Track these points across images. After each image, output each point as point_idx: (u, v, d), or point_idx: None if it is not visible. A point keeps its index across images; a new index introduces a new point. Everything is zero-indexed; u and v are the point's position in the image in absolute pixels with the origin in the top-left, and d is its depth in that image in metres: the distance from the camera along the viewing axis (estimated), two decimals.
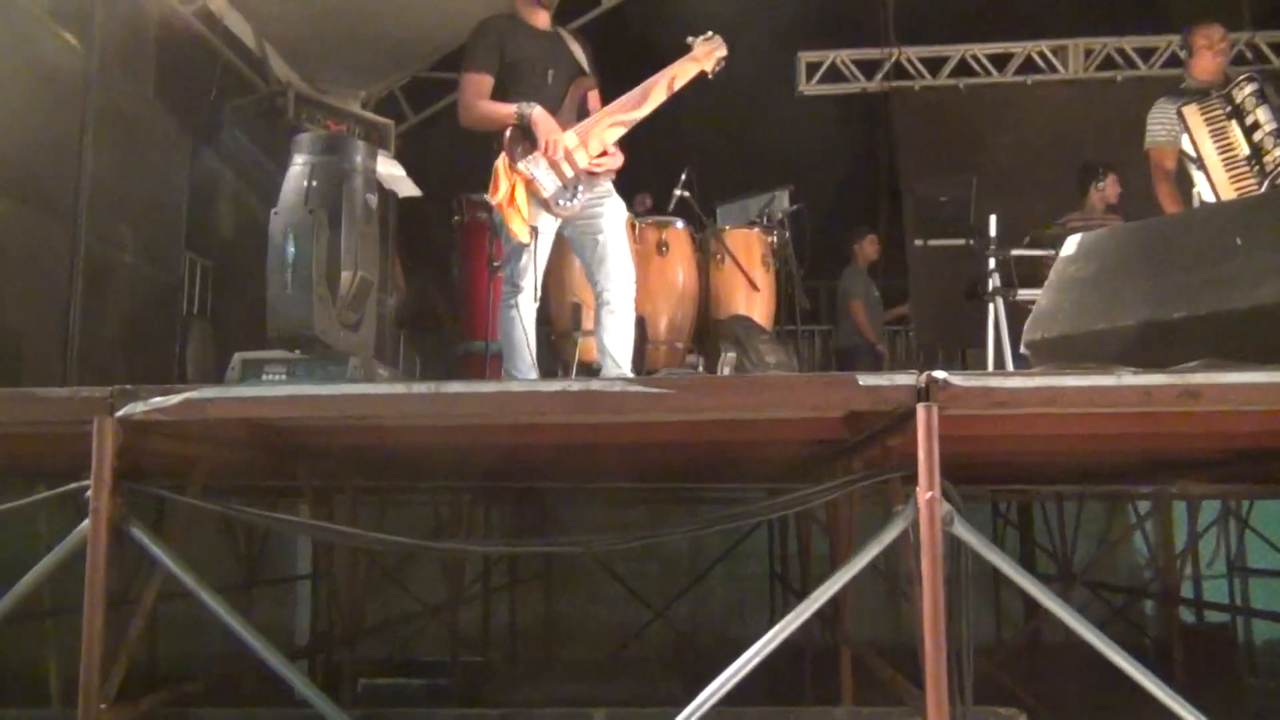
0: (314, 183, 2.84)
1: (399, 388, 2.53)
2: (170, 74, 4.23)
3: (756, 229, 5.56)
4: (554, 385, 2.52)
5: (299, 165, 2.89)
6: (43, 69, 3.29)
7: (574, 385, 2.51)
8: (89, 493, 2.41)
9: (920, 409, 2.34)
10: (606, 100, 4.24)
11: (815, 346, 7.95)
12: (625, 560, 7.08)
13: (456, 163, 6.77)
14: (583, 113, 4.18)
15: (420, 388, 2.49)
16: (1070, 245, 3.05)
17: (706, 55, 4.13)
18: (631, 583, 6.93)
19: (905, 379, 2.38)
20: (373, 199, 3.04)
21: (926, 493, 2.31)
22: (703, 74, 4.15)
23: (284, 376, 2.75)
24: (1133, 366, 2.42)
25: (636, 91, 4.12)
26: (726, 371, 4.81)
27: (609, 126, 4.09)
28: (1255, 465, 3.92)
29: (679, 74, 4.14)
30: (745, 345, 4.82)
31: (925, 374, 2.36)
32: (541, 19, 4.22)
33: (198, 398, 2.46)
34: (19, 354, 3.16)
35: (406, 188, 5.46)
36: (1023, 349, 3.03)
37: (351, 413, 2.49)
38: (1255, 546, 6.36)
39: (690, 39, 4.16)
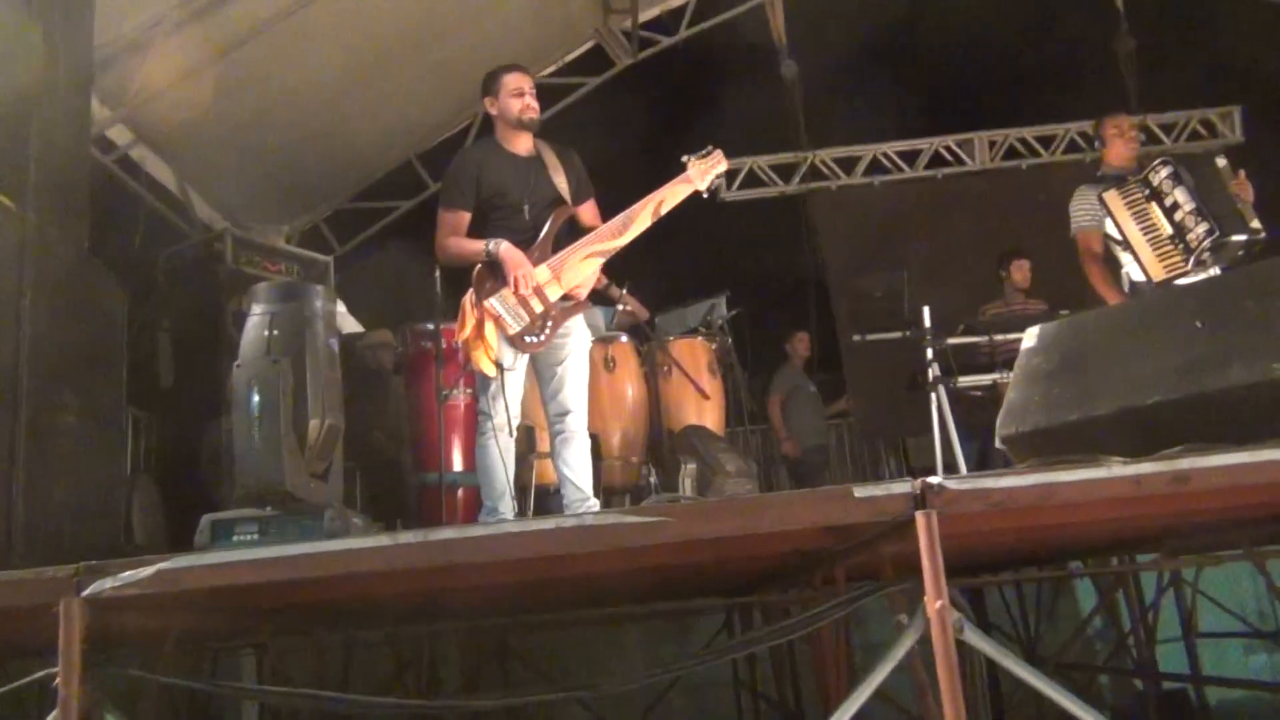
0: (275, 332, 2.77)
1: (384, 540, 2.43)
2: (102, 227, 4.14)
3: (700, 337, 5.60)
4: (547, 523, 2.45)
5: (258, 315, 2.81)
6: None
7: (568, 521, 2.45)
8: (56, 680, 2.26)
9: (919, 516, 2.33)
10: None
11: (765, 447, 7.95)
12: (580, 675, 6.84)
13: (386, 292, 6.75)
14: (571, 234, 4.08)
15: (408, 537, 2.41)
16: (1031, 337, 3.11)
17: (702, 174, 4.02)
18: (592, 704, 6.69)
19: (901, 487, 2.37)
20: (334, 343, 2.98)
21: (936, 602, 2.29)
22: (696, 194, 4.04)
23: (256, 536, 2.63)
24: (1114, 454, 2.45)
25: (618, 219, 4.02)
26: (688, 483, 4.76)
27: (585, 258, 4.00)
28: (1213, 536, 4.00)
29: (668, 197, 4.02)
30: (704, 455, 4.80)
31: (920, 481, 2.36)
32: (523, 144, 4.13)
33: (170, 568, 2.34)
34: None
35: (349, 324, 5.39)
36: (998, 444, 3.05)
37: (335, 570, 2.39)
38: (1204, 609, 6.44)
39: (685, 157, 4.03)
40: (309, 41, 6.30)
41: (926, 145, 8.82)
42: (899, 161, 8.83)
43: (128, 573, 2.30)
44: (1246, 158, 5.92)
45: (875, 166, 8.82)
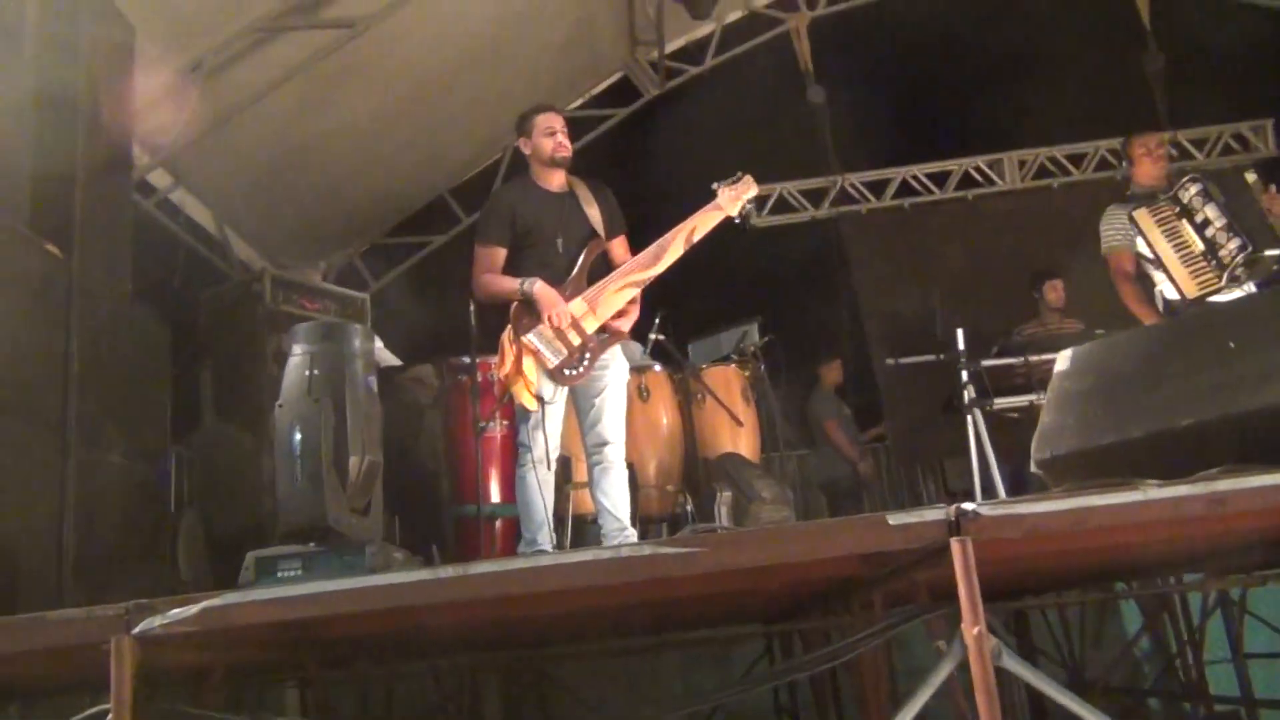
0: (315, 371, 2.83)
1: (424, 574, 2.47)
2: (143, 269, 4.25)
3: (733, 365, 5.62)
4: (585, 555, 2.48)
5: (298, 355, 2.87)
6: (28, 282, 3.28)
7: (604, 553, 2.48)
8: (109, 718, 2.30)
9: (954, 544, 2.33)
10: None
11: (801, 472, 7.94)
12: (618, 703, 6.81)
13: (423, 326, 6.83)
14: (599, 269, 4.13)
15: (446, 572, 2.44)
16: (1064, 360, 3.11)
17: (732, 200, 4.05)
18: None
19: (935, 514, 2.38)
20: (373, 381, 3.03)
21: (974, 628, 2.29)
22: (728, 220, 4.08)
23: (299, 572, 2.67)
24: (1149, 477, 2.44)
25: (651, 249, 4.06)
26: (724, 511, 4.78)
27: (620, 289, 4.05)
28: (1262, 554, 3.95)
29: (700, 224, 4.06)
30: (739, 482, 4.81)
31: (954, 507, 2.36)
32: (556, 180, 4.19)
33: (216, 605, 2.39)
34: (14, 569, 3.05)
35: (386, 357, 5.47)
36: (1033, 468, 3.05)
37: (379, 604, 2.42)
38: (1253, 631, 6.33)
39: (715, 185, 4.07)
40: (342, 83, 6.42)
41: (956, 166, 8.81)
42: (929, 183, 8.83)
43: (175, 610, 2.35)
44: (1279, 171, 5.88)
45: (905, 189, 8.82)
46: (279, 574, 2.67)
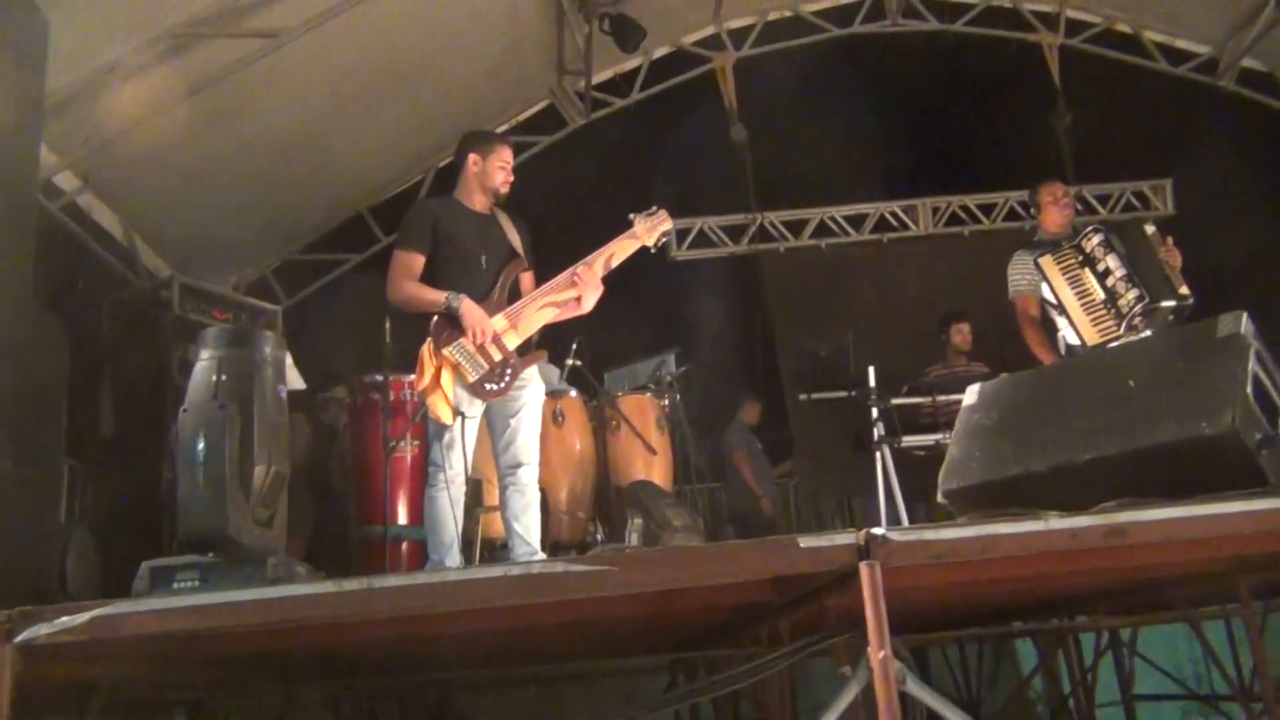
0: (223, 376, 2.75)
1: (329, 587, 2.41)
2: (46, 273, 4.09)
3: (649, 393, 5.63)
4: (495, 571, 2.45)
5: (206, 359, 2.79)
6: None
7: (514, 570, 2.45)
8: None
9: (863, 567, 2.36)
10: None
11: (712, 504, 7.97)
12: None
13: (335, 345, 6.71)
14: (515, 294, 4.17)
15: (352, 585, 2.39)
16: (972, 395, 3.18)
17: (648, 231, 4.14)
18: None
19: (845, 538, 2.40)
20: (283, 390, 2.96)
21: (880, 652, 2.31)
22: (645, 250, 4.16)
23: (197, 582, 2.58)
24: (1052, 508, 2.51)
25: (568, 273, 4.10)
26: (635, 538, 4.77)
27: (541, 308, 4.08)
28: (1150, 596, 4.07)
29: (617, 251, 4.13)
30: (651, 511, 4.80)
31: (864, 532, 2.39)
32: (480, 202, 4.23)
33: (107, 614, 2.29)
34: None
35: (293, 378, 5.34)
36: (940, 498, 3.11)
37: (278, 618, 2.35)
38: (1143, 672, 6.51)
39: (632, 215, 4.16)
40: (263, 94, 6.32)
41: (872, 210, 9.02)
42: (845, 225, 9.01)
43: (63, 618, 2.25)
44: (1176, 228, 6.14)
45: (822, 229, 8.99)
46: (175, 584, 2.58)
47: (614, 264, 4.14)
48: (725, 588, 2.90)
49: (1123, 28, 9.10)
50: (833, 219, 9.00)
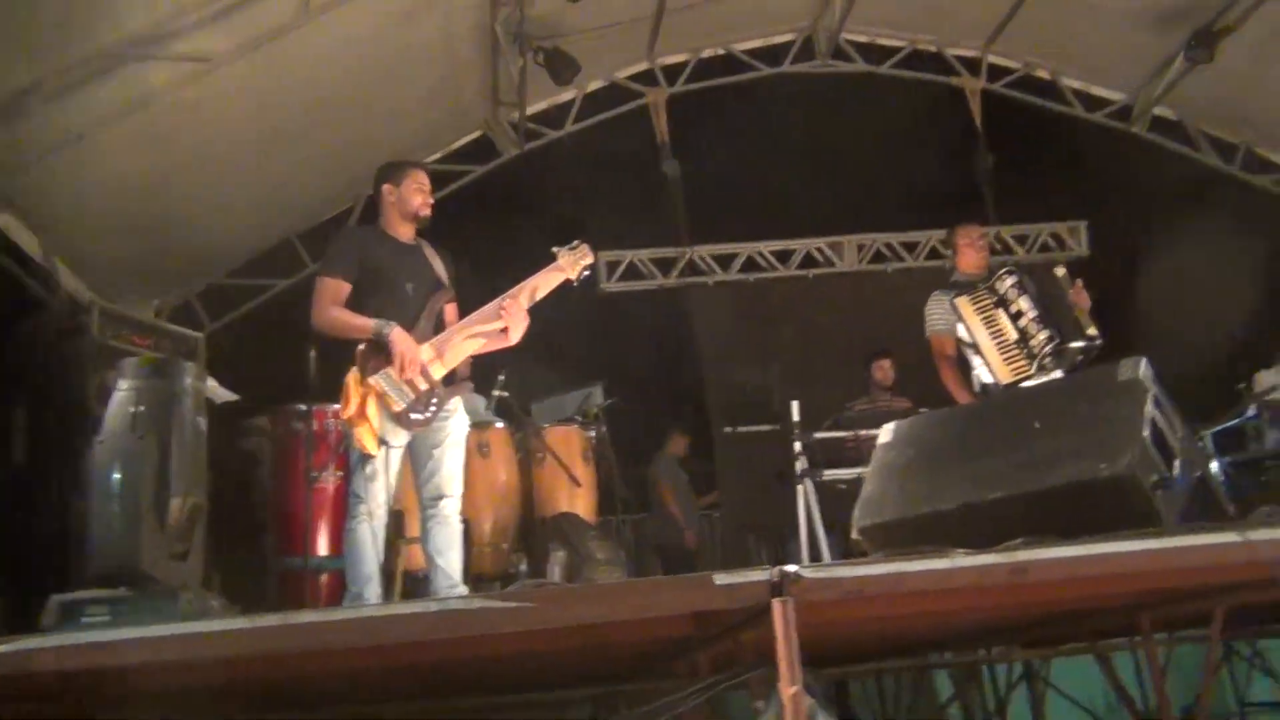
0: (141, 408, 2.72)
1: (242, 622, 2.39)
2: None
3: (575, 425, 5.66)
4: (413, 607, 2.45)
5: (124, 390, 2.76)
6: None
7: (433, 605, 2.45)
8: None
9: (776, 604, 2.40)
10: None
11: (638, 535, 7.99)
12: None
13: (259, 371, 6.62)
14: (440, 324, 4.18)
15: (267, 620, 2.37)
16: (887, 433, 3.27)
17: (572, 264, 4.21)
18: None
19: (759, 575, 2.45)
20: (202, 421, 2.93)
21: (790, 688, 2.35)
22: (568, 282, 4.22)
23: (108, 618, 2.54)
24: (961, 545, 2.59)
25: (494, 304, 4.14)
26: (557, 570, 4.78)
27: (467, 338, 4.10)
28: (1062, 629, 4.19)
29: (541, 285, 4.18)
30: (574, 543, 4.83)
31: (778, 569, 2.44)
32: (406, 232, 4.24)
33: (8, 650, 2.25)
34: None
35: (222, 394, 5.28)
36: (855, 534, 3.18)
37: (190, 654, 2.33)
38: (1054, 702, 6.66)
39: (555, 248, 4.23)
40: (193, 118, 6.25)
41: (800, 245, 9.18)
42: (773, 260, 9.16)
43: None
44: (1090, 270, 6.36)
45: (751, 264, 9.12)
46: (84, 619, 2.53)
47: (539, 296, 4.19)
48: (645, 622, 2.94)
49: (1042, 74, 9.41)
50: (761, 254, 9.14)
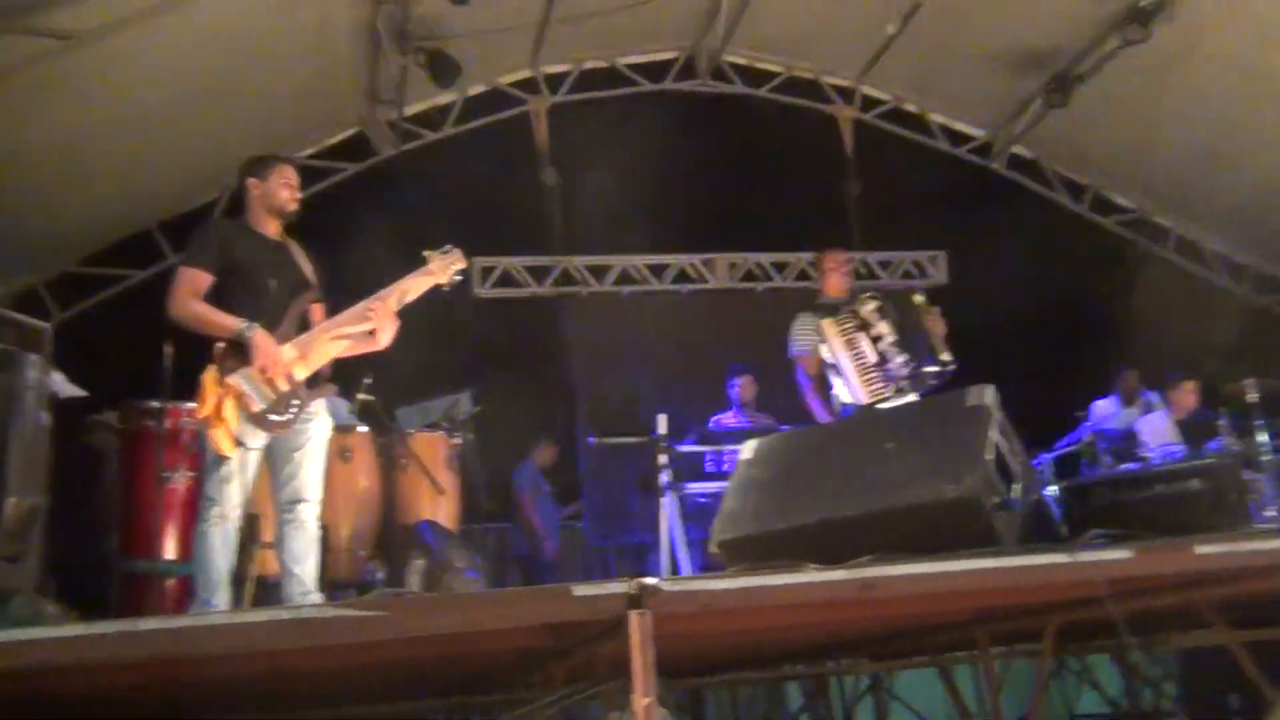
0: None
1: (78, 630, 2.29)
2: None
3: (441, 432, 5.60)
4: (264, 614, 2.39)
5: None
6: None
7: (284, 613, 2.40)
8: None
9: (633, 616, 2.43)
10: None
11: (500, 545, 7.94)
12: None
13: (110, 366, 6.34)
14: (305, 324, 4.08)
15: (105, 628, 2.28)
16: (747, 450, 3.35)
17: (443, 269, 4.14)
18: None
19: (617, 587, 2.48)
20: (45, 417, 2.80)
21: (644, 699, 2.39)
22: (439, 286, 4.16)
23: None
24: (815, 562, 2.67)
25: (360, 306, 4.05)
26: (415, 579, 4.72)
27: (332, 339, 4.01)
28: (907, 641, 4.36)
29: (411, 288, 4.11)
30: (435, 551, 4.77)
31: (636, 581, 2.47)
32: (273, 228, 4.13)
33: None
34: None
35: (68, 389, 5.03)
36: (713, 548, 3.24)
37: (19, 663, 2.22)
38: (897, 713, 6.91)
39: (426, 252, 4.15)
40: (50, 97, 5.96)
41: (673, 261, 9.29)
42: (647, 274, 9.24)
43: None
44: (947, 298, 6.63)
45: (625, 277, 9.19)
46: None
47: (408, 299, 4.13)
48: (502, 633, 2.93)
49: (910, 107, 9.78)
50: (635, 267, 9.21)
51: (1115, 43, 7.91)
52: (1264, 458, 6.50)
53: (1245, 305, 10.06)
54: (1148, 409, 7.19)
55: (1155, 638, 4.22)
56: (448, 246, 4.20)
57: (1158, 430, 6.80)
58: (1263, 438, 6.58)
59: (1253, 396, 6.65)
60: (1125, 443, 6.99)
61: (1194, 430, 6.91)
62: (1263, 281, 10.03)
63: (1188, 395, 7.31)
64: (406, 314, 4.17)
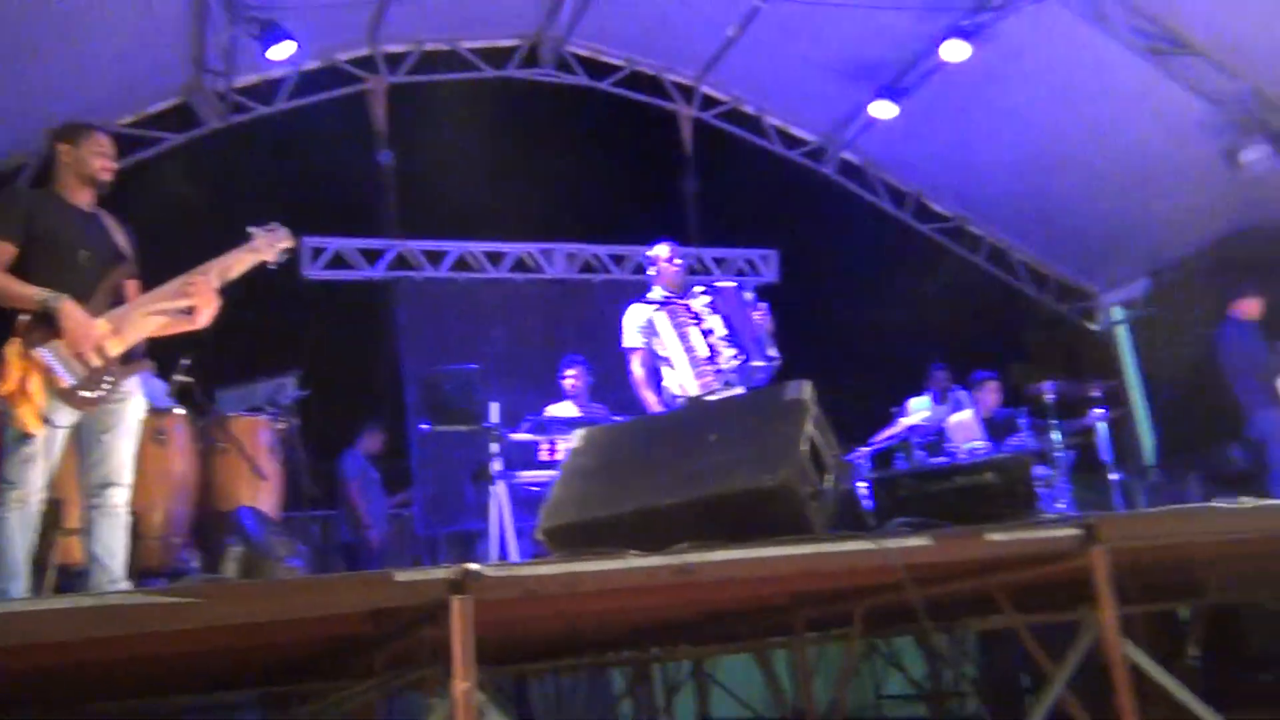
0: None
1: None
2: None
3: (264, 416, 5.44)
4: (66, 601, 2.28)
5: None
6: None
7: (86, 600, 2.30)
8: None
9: (455, 601, 2.44)
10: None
11: (324, 533, 7.76)
12: None
13: None
14: (119, 299, 3.88)
15: None
16: (577, 439, 3.39)
17: (268, 247, 4.01)
18: None
19: (440, 573, 2.48)
20: None
21: (463, 684, 2.40)
22: (263, 265, 4.03)
23: None
24: (637, 549, 2.74)
25: (179, 280, 3.89)
26: (232, 567, 4.57)
27: (148, 314, 3.84)
28: (728, 626, 4.50)
29: (234, 266, 3.97)
30: (254, 538, 4.63)
31: (459, 567, 2.48)
32: (85, 197, 3.92)
33: None
34: None
35: None
36: (538, 535, 3.27)
37: None
38: (718, 698, 7.12)
39: (251, 228, 4.03)
40: None
41: (511, 249, 9.26)
42: (484, 261, 9.18)
43: None
44: (777, 296, 6.86)
45: (462, 263, 9.10)
46: None
47: (231, 276, 4.00)
48: (322, 620, 2.88)
49: (748, 109, 10.02)
50: (472, 254, 9.14)
51: (938, 59, 8.33)
52: (1057, 454, 7.01)
53: (1047, 312, 10.78)
54: (957, 406, 7.61)
55: (954, 622, 4.48)
56: (274, 224, 4.09)
57: (964, 426, 7.21)
58: (1056, 436, 7.09)
59: (1049, 397, 7.16)
60: (937, 438, 7.38)
61: (997, 427, 7.37)
62: (1064, 291, 10.74)
63: (991, 394, 7.79)
64: (229, 293, 4.03)
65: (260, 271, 4.12)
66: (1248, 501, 3.21)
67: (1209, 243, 9.01)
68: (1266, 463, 6.65)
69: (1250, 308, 6.76)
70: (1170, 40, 7.75)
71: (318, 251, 8.58)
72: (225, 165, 8.16)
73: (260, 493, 5.19)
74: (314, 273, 8.49)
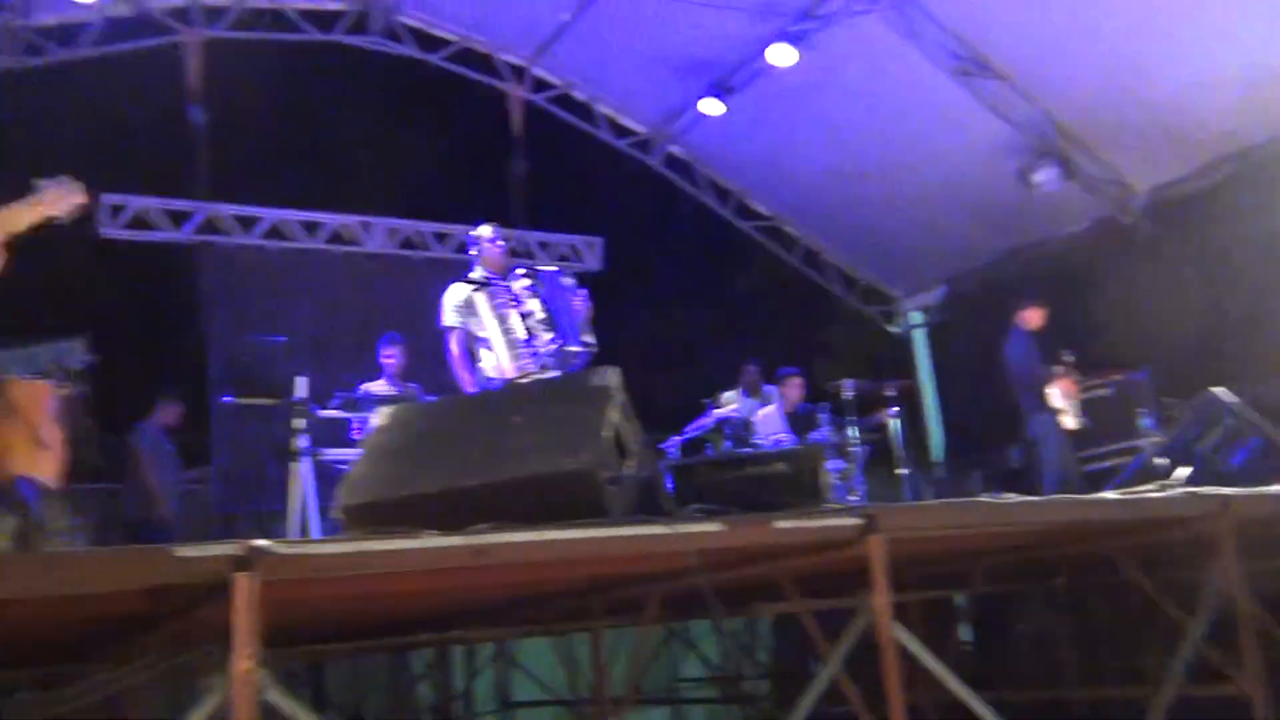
0: None
1: None
2: None
3: (47, 381, 5.10)
4: None
5: None
6: None
7: None
8: None
9: (239, 579, 2.37)
10: None
11: (112, 506, 7.33)
12: None
13: None
14: None
15: None
16: (381, 416, 3.34)
17: (57, 200, 3.75)
18: None
19: (224, 549, 2.39)
20: None
21: (243, 663, 2.33)
22: (52, 220, 3.76)
23: None
24: (437, 529, 2.72)
25: None
26: (5, 540, 4.27)
27: None
28: (529, 609, 4.52)
29: (18, 219, 3.69)
30: (29, 510, 4.34)
31: (246, 544, 2.40)
32: None
33: None
34: None
35: None
36: (336, 514, 3.20)
37: None
38: (520, 681, 7.16)
39: (38, 180, 3.74)
40: None
41: (329, 220, 8.98)
42: (299, 230, 8.87)
43: None
44: (599, 284, 6.91)
45: (275, 232, 8.77)
46: None
47: (15, 230, 3.73)
48: (96, 598, 2.73)
49: (578, 95, 10.04)
50: (286, 222, 8.82)
51: (765, 62, 8.56)
52: (854, 448, 7.35)
53: (853, 313, 11.27)
54: (768, 400, 7.87)
55: (746, 607, 4.64)
56: (63, 178, 3.83)
57: (769, 419, 7.48)
58: (854, 431, 7.44)
59: (848, 394, 7.50)
60: (746, 430, 7.61)
61: (799, 421, 7.67)
62: (869, 294, 11.24)
63: (795, 389, 8.09)
64: (13, 248, 3.76)
65: (50, 227, 3.86)
66: (1012, 497, 3.45)
67: (1001, 255, 9.64)
68: (1038, 462, 7.17)
69: (1032, 318, 7.25)
70: (977, 64, 8.22)
71: (118, 209, 8.09)
72: (18, 110, 7.60)
73: (40, 462, 4.85)
74: (112, 231, 8.00)
